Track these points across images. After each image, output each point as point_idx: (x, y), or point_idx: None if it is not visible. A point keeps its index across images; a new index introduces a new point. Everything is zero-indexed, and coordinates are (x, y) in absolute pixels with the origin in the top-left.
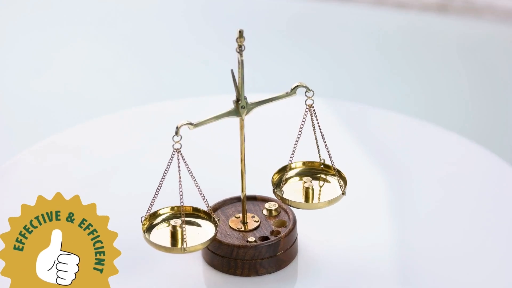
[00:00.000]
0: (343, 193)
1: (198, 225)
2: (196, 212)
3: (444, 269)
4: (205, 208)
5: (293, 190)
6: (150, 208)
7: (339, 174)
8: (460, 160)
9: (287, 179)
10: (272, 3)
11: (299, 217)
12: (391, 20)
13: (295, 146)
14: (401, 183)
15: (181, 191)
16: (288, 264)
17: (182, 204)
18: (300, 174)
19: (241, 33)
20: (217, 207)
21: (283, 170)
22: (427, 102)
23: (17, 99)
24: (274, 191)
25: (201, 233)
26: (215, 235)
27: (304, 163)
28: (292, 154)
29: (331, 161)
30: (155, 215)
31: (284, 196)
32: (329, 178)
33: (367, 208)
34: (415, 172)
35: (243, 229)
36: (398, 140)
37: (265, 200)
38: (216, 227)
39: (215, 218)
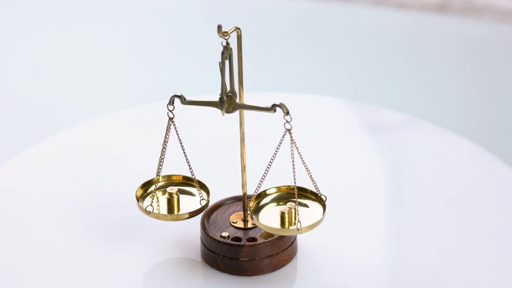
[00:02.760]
0: (298, 229)
1: (193, 195)
2: (194, 184)
3: (442, 270)
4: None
5: (271, 215)
6: (159, 171)
7: (319, 201)
8: (459, 160)
9: (265, 204)
10: (272, 3)
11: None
12: (391, 20)
13: (267, 169)
14: (400, 183)
15: (162, 160)
16: (255, 274)
17: (159, 172)
18: (279, 200)
19: (220, 27)
20: (237, 198)
21: (258, 196)
22: (427, 102)
23: (17, 99)
24: (251, 216)
25: (190, 209)
26: (182, 215)
27: (279, 188)
28: (263, 176)
29: (294, 182)
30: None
31: (260, 221)
32: (308, 202)
33: (365, 208)
34: (414, 172)
35: (237, 225)
36: (398, 140)
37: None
38: (203, 209)
39: (204, 201)
